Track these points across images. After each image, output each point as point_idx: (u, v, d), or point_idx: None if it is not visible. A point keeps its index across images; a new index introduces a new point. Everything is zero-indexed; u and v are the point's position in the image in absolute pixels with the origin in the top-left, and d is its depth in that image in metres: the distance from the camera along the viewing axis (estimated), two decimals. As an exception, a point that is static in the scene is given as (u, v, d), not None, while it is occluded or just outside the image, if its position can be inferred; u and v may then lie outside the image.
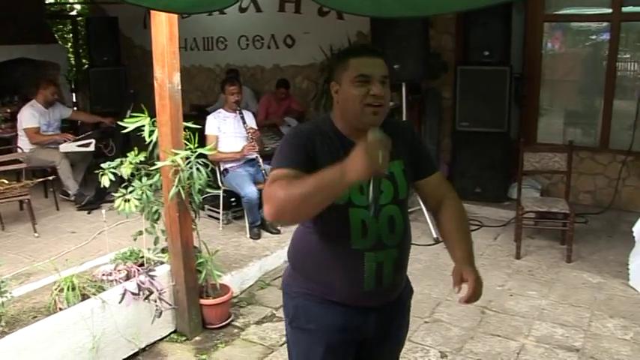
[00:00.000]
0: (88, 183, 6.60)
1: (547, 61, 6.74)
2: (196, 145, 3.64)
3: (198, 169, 3.59)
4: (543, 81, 6.74)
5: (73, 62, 10.99)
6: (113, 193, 3.92)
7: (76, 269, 3.67)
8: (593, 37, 6.70)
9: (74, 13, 11.85)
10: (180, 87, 3.61)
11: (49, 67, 9.07)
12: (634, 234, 4.57)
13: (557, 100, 6.96)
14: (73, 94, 10.05)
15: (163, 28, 3.46)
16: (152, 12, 3.48)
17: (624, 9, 6.19)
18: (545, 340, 3.80)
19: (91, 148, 6.22)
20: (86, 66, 9.84)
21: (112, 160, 3.85)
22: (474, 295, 1.92)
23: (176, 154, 3.53)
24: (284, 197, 1.71)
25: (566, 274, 4.81)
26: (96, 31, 8.60)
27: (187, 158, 3.61)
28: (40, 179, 6.21)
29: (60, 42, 10.78)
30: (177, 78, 3.57)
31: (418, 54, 5.64)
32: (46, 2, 10.74)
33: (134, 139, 4.09)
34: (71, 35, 11.66)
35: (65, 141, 6.39)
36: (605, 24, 6.39)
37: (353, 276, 1.97)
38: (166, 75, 3.52)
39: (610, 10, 6.25)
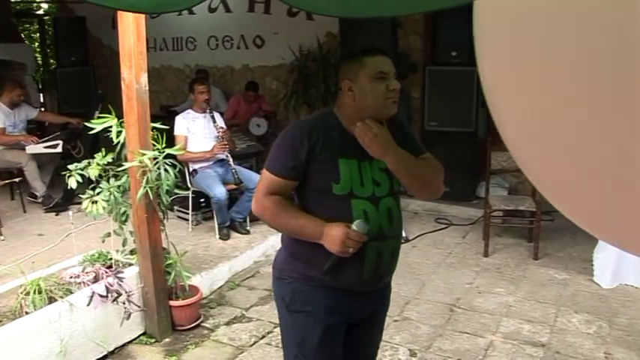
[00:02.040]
0: (56, 185, 6.52)
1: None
2: (164, 146, 3.62)
3: (166, 169, 3.57)
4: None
5: (40, 62, 10.83)
6: (81, 195, 3.87)
7: (42, 272, 3.62)
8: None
9: (41, 12, 11.67)
10: (147, 87, 3.59)
11: (16, 67, 8.92)
12: (598, 231, 4.67)
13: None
14: (41, 95, 9.89)
15: (130, 28, 3.44)
16: (119, 12, 3.45)
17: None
18: (512, 336, 3.86)
19: (59, 149, 6.14)
20: (54, 66, 9.70)
21: (80, 162, 3.81)
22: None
23: (144, 154, 3.51)
24: (269, 220, 2.12)
25: (533, 271, 4.90)
26: (63, 30, 8.50)
27: (155, 159, 3.59)
28: (7, 181, 6.11)
29: (27, 41, 10.62)
30: (144, 78, 3.55)
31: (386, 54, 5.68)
32: (12, 0, 10.56)
33: (102, 140, 4.06)
34: (38, 35, 11.49)
35: (30, 143, 6.29)
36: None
37: (354, 264, 2.06)
38: (134, 75, 3.49)
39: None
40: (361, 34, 5.68)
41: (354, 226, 1.96)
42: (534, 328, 3.96)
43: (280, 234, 2.26)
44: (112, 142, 3.73)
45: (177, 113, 5.85)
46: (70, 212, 4.20)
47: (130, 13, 3.39)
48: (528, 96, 0.98)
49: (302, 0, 2.35)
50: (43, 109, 9.07)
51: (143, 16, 3.48)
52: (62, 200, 6.21)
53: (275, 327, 3.98)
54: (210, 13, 8.17)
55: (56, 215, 6.10)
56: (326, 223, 2.00)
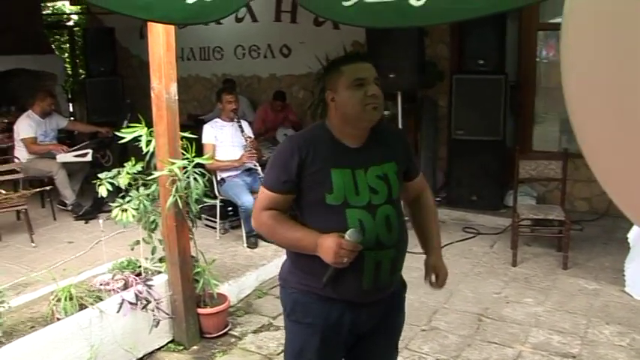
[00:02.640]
0: (86, 193, 6.62)
1: (542, 69, 6.78)
2: (194, 155, 3.66)
3: (195, 178, 3.61)
4: (538, 89, 6.79)
5: (69, 72, 11.01)
6: (110, 203, 3.92)
7: (73, 279, 3.67)
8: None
9: (71, 23, 11.88)
10: (177, 97, 3.63)
11: (46, 77, 9.10)
12: (629, 240, 4.60)
13: (552, 108, 6.99)
14: (70, 105, 10.05)
15: (160, 39, 3.48)
16: (149, 23, 3.50)
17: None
18: (542, 347, 3.81)
19: (88, 158, 6.24)
20: (83, 76, 9.85)
21: (109, 170, 3.87)
22: (442, 285, 2.30)
23: (173, 163, 3.55)
24: (267, 234, 2.20)
25: (563, 281, 4.83)
26: (93, 41, 8.63)
27: (184, 168, 3.62)
28: (38, 189, 6.22)
29: (57, 52, 10.82)
30: (174, 88, 3.59)
31: (414, 63, 5.69)
32: (44, 13, 10.78)
33: (131, 149, 4.11)
34: (68, 45, 11.68)
35: (61, 152, 6.40)
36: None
37: (352, 275, 2.05)
38: (163, 85, 3.54)
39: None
40: (388, 42, 5.69)
41: (346, 236, 1.94)
42: (564, 339, 3.90)
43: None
44: (141, 151, 3.78)
45: (205, 122, 5.90)
46: (101, 220, 4.23)
47: (160, 24, 3.43)
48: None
49: (332, 11, 2.37)
50: (72, 119, 9.24)
51: (173, 27, 3.52)
52: (91, 208, 6.30)
53: (302, 336, 3.98)
54: (237, 23, 8.24)
55: (85, 223, 6.19)
56: (321, 235, 1.99)
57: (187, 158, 3.64)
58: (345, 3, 2.28)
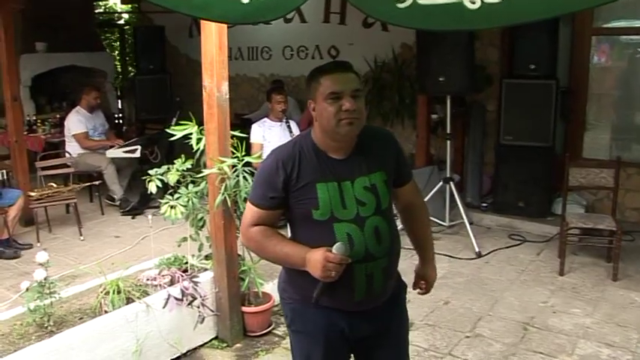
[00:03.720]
0: (133, 189, 6.74)
1: (594, 74, 6.61)
2: (243, 154, 3.68)
3: (244, 177, 3.63)
4: (590, 95, 6.62)
5: (119, 70, 11.24)
6: (160, 200, 3.98)
7: (121, 273, 3.73)
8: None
9: (122, 22, 12.13)
10: (228, 96, 3.66)
11: (97, 74, 9.30)
12: (684, 253, 4.45)
13: (603, 115, 6.81)
14: (119, 101, 10.26)
15: (213, 38, 3.51)
16: (202, 22, 3.54)
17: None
18: (590, 359, 3.72)
19: (137, 154, 6.34)
20: (132, 74, 10.04)
21: (157, 167, 3.92)
22: (428, 291, 2.41)
23: (223, 162, 3.57)
24: (255, 250, 2.21)
25: (612, 292, 4.70)
26: (143, 39, 8.77)
27: (234, 166, 3.65)
28: (87, 183, 6.35)
29: (108, 50, 11.05)
30: (225, 87, 3.62)
31: (463, 67, 5.61)
32: (96, 11, 11.02)
33: (178, 147, 4.16)
34: (118, 43, 11.93)
35: (116, 145, 6.54)
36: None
37: (343, 288, 2.03)
38: (215, 84, 3.57)
39: (662, 24, 6.13)
40: (438, 45, 5.63)
41: (333, 250, 1.92)
42: (614, 353, 3.80)
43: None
44: (189, 148, 3.82)
45: (251, 121, 5.94)
46: (150, 216, 4.29)
47: (213, 24, 3.47)
48: None
49: (385, 12, 2.35)
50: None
51: (225, 26, 3.55)
52: (138, 204, 6.41)
53: (345, 338, 3.97)
54: (286, 24, 8.26)
55: (132, 218, 6.30)
56: (309, 250, 1.97)
57: (237, 157, 3.66)
58: (400, 5, 2.25)
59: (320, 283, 1.98)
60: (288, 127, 5.48)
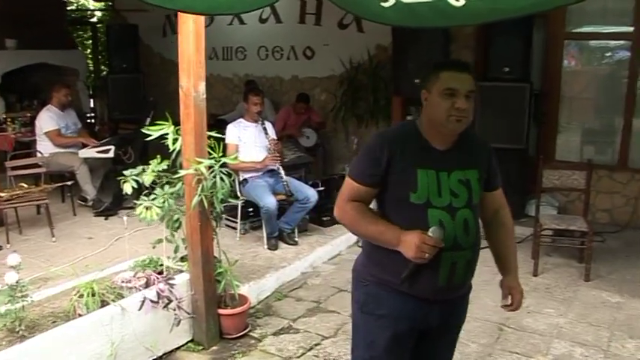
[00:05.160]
0: (105, 189, 6.62)
1: (566, 78, 6.71)
2: (220, 155, 3.65)
3: (221, 178, 3.60)
4: (562, 98, 6.72)
5: (91, 68, 11.08)
6: (135, 201, 3.92)
7: (95, 275, 3.67)
8: (613, 55, 6.69)
9: (94, 19, 11.96)
10: (205, 96, 3.63)
11: (69, 72, 9.17)
12: (655, 254, 4.53)
13: (575, 118, 6.92)
14: (91, 100, 10.11)
15: (190, 38, 3.48)
16: (179, 21, 3.50)
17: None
18: (564, 359, 3.77)
19: (111, 154, 6.25)
20: (105, 72, 9.91)
21: (131, 167, 3.87)
22: (518, 307, 2.37)
23: (200, 162, 3.54)
24: (349, 224, 2.21)
25: (585, 292, 4.78)
26: (116, 38, 8.67)
27: (211, 167, 3.61)
28: (59, 184, 6.24)
29: (79, 48, 10.89)
30: (202, 87, 3.59)
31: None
32: (68, 9, 10.85)
33: (151, 147, 4.11)
34: (90, 41, 11.76)
35: (87, 145, 6.43)
36: (625, 42, 6.39)
37: (428, 272, 2.09)
38: (192, 84, 3.53)
39: (631, 29, 6.24)
40: (414, 48, 5.66)
41: (430, 232, 2.01)
42: (587, 352, 3.85)
43: (358, 240, 2.32)
44: (164, 148, 3.77)
45: (226, 122, 5.90)
46: (125, 217, 4.23)
47: (191, 23, 3.44)
48: None
49: (369, 11, 2.36)
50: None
51: (203, 26, 3.52)
52: (111, 205, 6.31)
53: (323, 339, 3.97)
54: (261, 24, 8.24)
55: (105, 219, 6.21)
56: (403, 231, 2.05)
57: (214, 157, 3.63)
58: (384, 4, 2.25)
59: (411, 264, 2.05)
60: (264, 128, 5.45)
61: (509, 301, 2.36)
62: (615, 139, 6.57)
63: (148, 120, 5.91)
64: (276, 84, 8.59)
